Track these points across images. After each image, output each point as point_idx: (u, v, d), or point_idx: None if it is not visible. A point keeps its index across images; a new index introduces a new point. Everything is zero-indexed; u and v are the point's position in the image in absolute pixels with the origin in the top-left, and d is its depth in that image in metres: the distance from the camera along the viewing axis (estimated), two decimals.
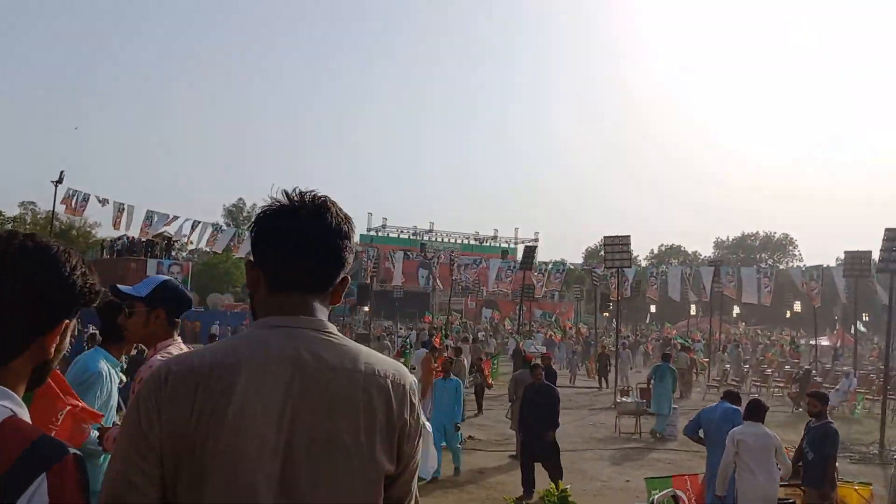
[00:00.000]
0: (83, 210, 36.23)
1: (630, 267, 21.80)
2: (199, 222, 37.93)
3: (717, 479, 6.81)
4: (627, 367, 21.11)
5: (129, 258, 46.71)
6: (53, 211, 35.63)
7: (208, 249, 62.14)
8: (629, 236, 19.25)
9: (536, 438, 9.54)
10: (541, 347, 24.12)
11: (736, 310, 57.79)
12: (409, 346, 18.28)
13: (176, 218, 36.87)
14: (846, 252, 21.04)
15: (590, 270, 44.67)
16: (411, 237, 71.75)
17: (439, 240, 72.32)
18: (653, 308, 61.26)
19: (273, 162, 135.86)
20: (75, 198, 35.41)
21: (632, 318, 65.65)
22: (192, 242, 40.86)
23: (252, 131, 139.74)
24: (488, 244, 72.95)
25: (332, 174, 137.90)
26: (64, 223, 68.43)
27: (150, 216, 35.00)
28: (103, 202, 35.77)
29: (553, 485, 8.02)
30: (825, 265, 33.45)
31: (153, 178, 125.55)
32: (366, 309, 44.87)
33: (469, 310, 62.59)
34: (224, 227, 74.44)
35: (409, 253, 48.31)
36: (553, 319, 54.60)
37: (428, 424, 9.62)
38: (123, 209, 34.95)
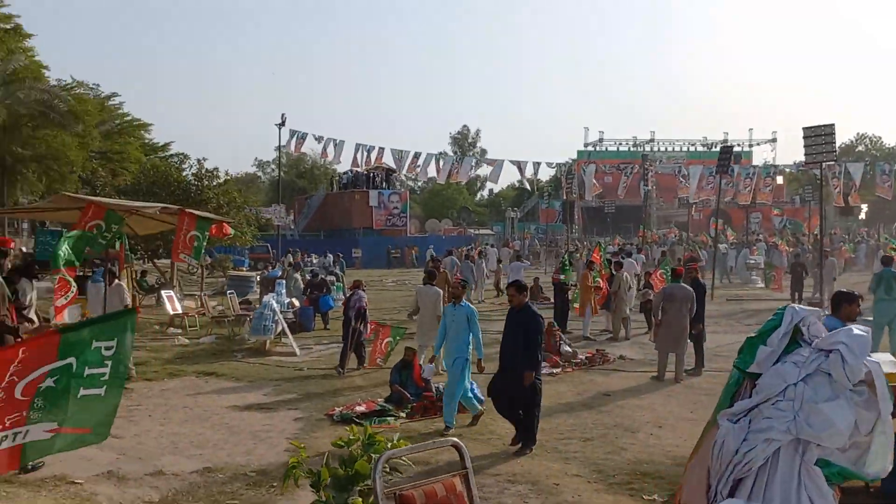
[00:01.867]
0: (301, 147, 39.02)
1: (834, 161, 18.62)
2: (417, 153, 38.66)
3: None
4: (830, 277, 18.23)
5: (353, 191, 50.21)
6: (279, 149, 38.93)
7: (420, 181, 64.76)
8: (833, 125, 16.43)
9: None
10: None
11: None
12: (567, 263, 17.47)
13: (390, 150, 38.18)
14: None
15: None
16: (631, 149, 68.49)
17: (662, 149, 68.20)
18: None
19: (495, 86, 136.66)
20: (295, 137, 38.42)
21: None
22: (415, 172, 42.15)
23: (474, 61, 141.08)
24: (717, 150, 67.29)
25: (547, 90, 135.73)
26: (307, 163, 75.10)
27: (358, 148, 36.81)
28: (319, 139, 38.38)
29: None
30: None
31: (383, 113, 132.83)
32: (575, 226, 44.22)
33: (695, 221, 58.79)
34: (449, 155, 76.76)
35: (625, 165, 46.06)
36: (783, 227, 49.35)
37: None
38: (335, 144, 37.15)
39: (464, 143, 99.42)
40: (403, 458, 3.81)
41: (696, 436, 7.77)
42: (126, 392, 10.14)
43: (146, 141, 38.65)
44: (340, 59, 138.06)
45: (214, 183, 18.54)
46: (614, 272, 15.76)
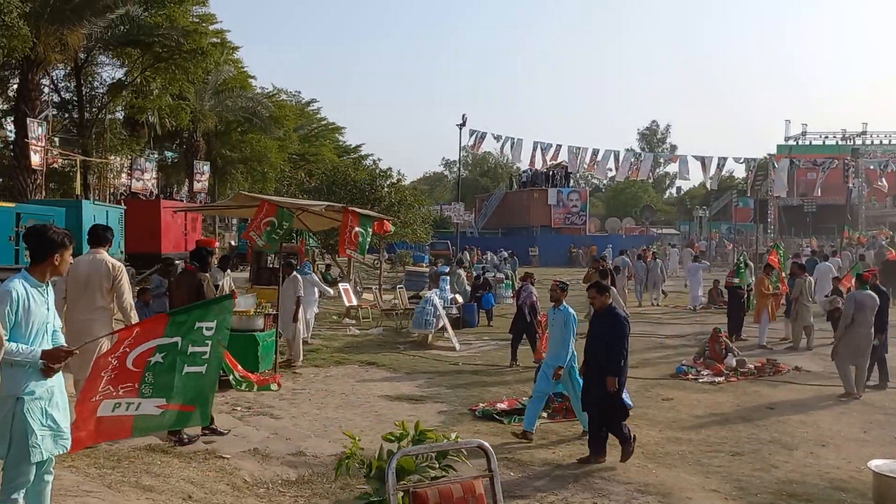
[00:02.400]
0: (479, 147, 39.70)
1: None
2: (596, 150, 37.86)
3: None
4: None
5: (532, 189, 50.38)
6: (460, 148, 39.93)
7: (601, 179, 63.37)
8: None
9: None
10: None
11: None
12: (743, 265, 16.30)
13: (567, 148, 37.85)
14: None
15: None
16: (839, 142, 62.31)
17: (876, 142, 61.41)
18: None
19: (690, 77, 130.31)
20: (475, 136, 39.22)
21: None
22: (593, 169, 41.39)
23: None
24: None
25: (738, 81, 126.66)
26: (490, 163, 76.46)
27: (535, 146, 36.74)
28: (497, 138, 38.86)
29: None
30: None
31: (569, 111, 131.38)
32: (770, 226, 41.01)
33: None
34: (631, 151, 74.59)
35: (821, 161, 42.11)
36: None
37: None
38: (514, 143, 37.36)
39: (652, 138, 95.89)
40: (461, 455, 3.80)
41: (862, 458, 7.07)
42: (294, 376, 11.10)
43: (339, 143, 41.33)
44: (528, 60, 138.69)
45: (388, 183, 19.51)
46: (795, 276, 14.55)
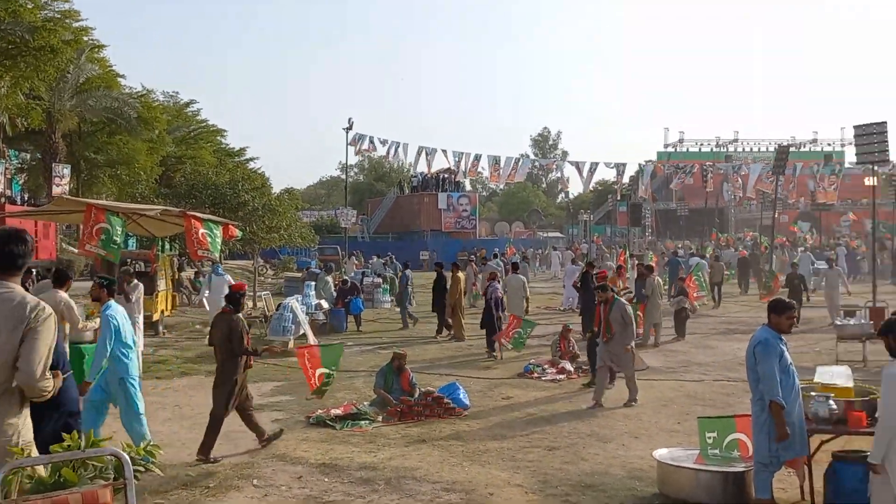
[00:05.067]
0: (371, 150, 39.55)
1: (887, 161, 17.25)
2: (478, 154, 38.45)
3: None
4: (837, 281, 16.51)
5: (422, 193, 50.66)
6: (346, 152, 39.63)
7: (493, 184, 64.69)
8: (885, 123, 15.26)
9: None
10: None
11: None
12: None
13: (451, 152, 38.25)
14: None
15: None
16: (714, 149, 66.08)
17: (746, 149, 65.51)
18: None
19: (572, 84, 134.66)
20: (360, 140, 39.07)
21: None
22: (475, 174, 42.01)
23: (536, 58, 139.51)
24: (807, 149, 63.90)
25: (623, 90, 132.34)
26: (385, 168, 76.27)
27: (420, 150, 37.00)
28: (383, 142, 38.86)
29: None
30: None
31: (464, 118, 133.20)
32: (647, 229, 42.93)
33: (783, 224, 56.07)
34: (530, 157, 75.98)
35: (683, 165, 44.43)
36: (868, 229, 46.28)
37: None
38: (398, 147, 37.49)
39: (544, 144, 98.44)
40: (152, 466, 3.65)
41: (671, 446, 7.41)
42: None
43: (221, 146, 40.14)
44: (423, 64, 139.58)
45: (251, 187, 19.06)
46: (643, 276, 15.24)
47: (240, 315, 7.90)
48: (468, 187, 62.69)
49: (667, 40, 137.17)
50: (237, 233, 13.15)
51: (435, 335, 16.52)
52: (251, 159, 41.93)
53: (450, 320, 16.41)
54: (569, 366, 12.15)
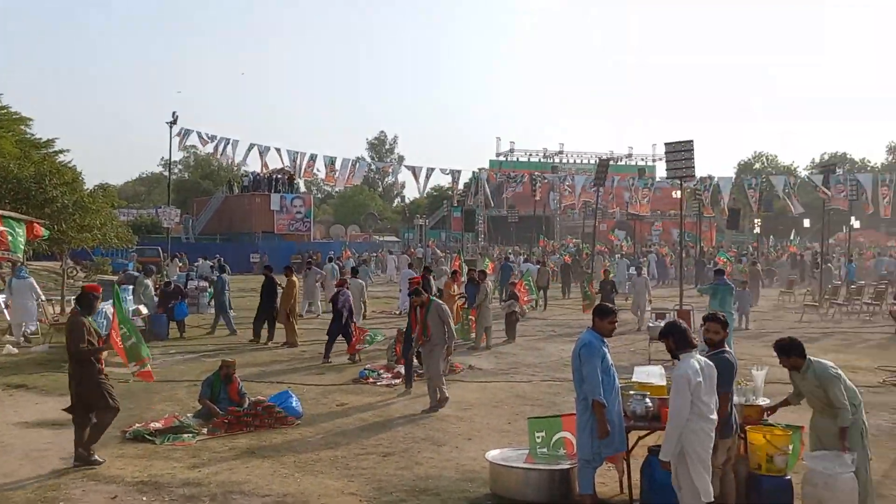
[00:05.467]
0: (195, 147, 37.54)
1: (694, 177, 19.14)
2: (314, 155, 37.51)
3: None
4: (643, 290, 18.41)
5: (254, 194, 48.92)
6: (171, 149, 37.39)
7: (330, 186, 64.17)
8: (692, 141, 16.79)
9: None
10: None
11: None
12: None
13: (286, 151, 37.05)
14: None
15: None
16: (541, 160, 69.56)
17: (571, 161, 69.54)
18: (807, 222, 54.79)
19: (411, 90, 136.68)
20: (186, 136, 36.94)
21: (786, 234, 60.07)
22: (316, 174, 41.02)
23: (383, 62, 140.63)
24: (623, 163, 68.96)
25: (462, 100, 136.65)
26: (213, 165, 72.92)
27: (251, 148, 35.49)
28: (212, 138, 36.96)
29: None
30: None
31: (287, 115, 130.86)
32: (480, 235, 44.32)
33: (602, 232, 60.07)
34: (367, 160, 75.49)
35: (534, 175, 46.36)
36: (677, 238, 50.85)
37: None
38: (227, 144, 35.81)
39: (381, 148, 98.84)
40: None
41: (502, 447, 7.57)
42: None
43: (25, 136, 36.43)
44: (266, 59, 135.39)
45: (60, 182, 17.36)
46: (476, 282, 15.62)
47: (85, 318, 7.60)
48: (303, 189, 61.67)
49: (498, 52, 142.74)
50: (43, 232, 11.94)
51: (266, 342, 15.91)
52: (61, 151, 38.30)
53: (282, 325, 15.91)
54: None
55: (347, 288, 14.96)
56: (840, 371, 5.90)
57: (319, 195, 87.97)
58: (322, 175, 37.74)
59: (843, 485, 5.45)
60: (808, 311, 21.09)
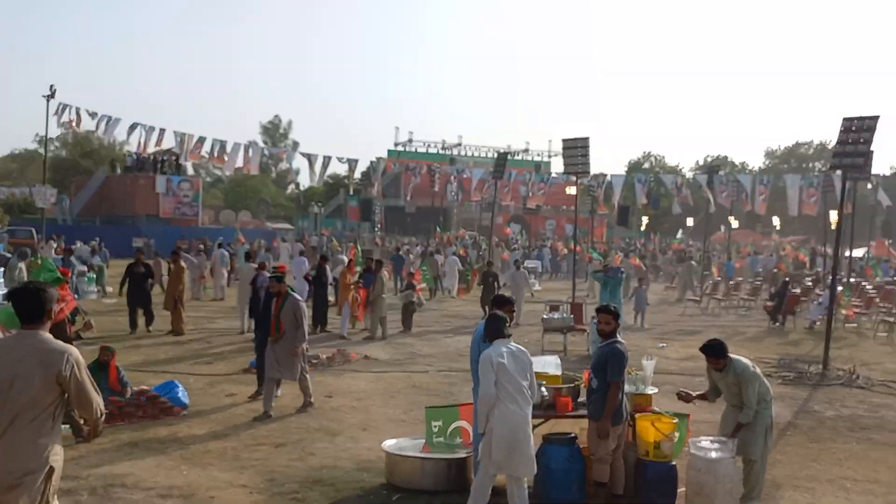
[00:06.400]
0: (77, 124, 35.31)
1: (589, 173, 19.79)
2: (202, 137, 36.19)
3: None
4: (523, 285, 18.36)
5: (138, 175, 46.50)
6: (47, 124, 34.95)
7: (219, 169, 62.15)
8: (588, 138, 17.33)
9: None
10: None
11: (776, 222, 54.05)
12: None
13: (172, 132, 35.50)
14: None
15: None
16: (440, 151, 69.83)
17: (469, 154, 70.20)
18: (690, 221, 57.67)
19: (304, 83, 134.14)
20: (66, 112, 34.66)
21: (672, 232, 63.22)
22: (204, 157, 39.42)
23: (271, 49, 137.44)
24: (520, 157, 70.32)
25: (357, 89, 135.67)
26: (94, 144, 68.88)
27: (135, 127, 33.72)
28: (93, 115, 34.83)
29: None
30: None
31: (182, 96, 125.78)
32: (377, 225, 44.04)
33: (498, 225, 61.10)
34: (260, 145, 73.35)
35: (433, 167, 46.35)
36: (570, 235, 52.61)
37: None
38: (109, 121, 33.87)
39: (275, 133, 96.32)
40: None
41: (398, 436, 7.49)
42: None
43: None
44: (143, 37, 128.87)
45: None
46: (373, 271, 15.49)
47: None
48: (191, 171, 59.29)
49: (399, 41, 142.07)
50: None
51: (147, 328, 15.15)
52: None
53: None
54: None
55: (267, 271, 13.98)
56: (758, 370, 6.19)
57: (209, 179, 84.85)
58: (207, 157, 36.34)
59: (724, 469, 5.73)
60: (690, 305, 22.22)
